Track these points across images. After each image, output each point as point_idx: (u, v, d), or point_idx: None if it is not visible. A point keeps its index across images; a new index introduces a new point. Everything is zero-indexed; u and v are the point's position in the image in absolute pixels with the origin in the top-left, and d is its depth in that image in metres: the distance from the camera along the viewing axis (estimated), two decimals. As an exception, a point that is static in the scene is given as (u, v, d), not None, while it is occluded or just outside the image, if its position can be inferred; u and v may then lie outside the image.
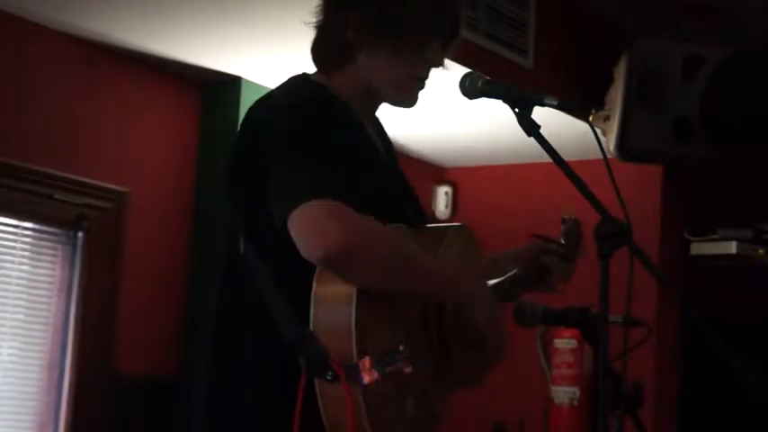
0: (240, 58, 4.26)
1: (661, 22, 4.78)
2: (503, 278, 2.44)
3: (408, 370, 1.99)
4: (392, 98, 2.25)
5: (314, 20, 2.24)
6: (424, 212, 2.30)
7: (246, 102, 4.42)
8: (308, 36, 2.27)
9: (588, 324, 2.33)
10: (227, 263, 2.17)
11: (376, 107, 2.30)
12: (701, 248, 5.18)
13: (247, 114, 2.16)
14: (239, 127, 2.18)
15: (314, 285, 1.97)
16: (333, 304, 1.96)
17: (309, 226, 1.92)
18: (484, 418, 5.07)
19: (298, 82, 2.20)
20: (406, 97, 2.24)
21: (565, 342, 4.84)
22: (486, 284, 2.19)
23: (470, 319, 2.11)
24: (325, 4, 2.23)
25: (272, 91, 2.21)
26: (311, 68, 2.28)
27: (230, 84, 4.45)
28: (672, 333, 5.01)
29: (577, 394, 4.79)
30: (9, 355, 3.97)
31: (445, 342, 2.14)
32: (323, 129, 2.06)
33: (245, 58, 4.25)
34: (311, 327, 1.95)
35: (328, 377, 1.92)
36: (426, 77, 2.24)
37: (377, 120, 2.34)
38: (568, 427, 4.81)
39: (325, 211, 1.92)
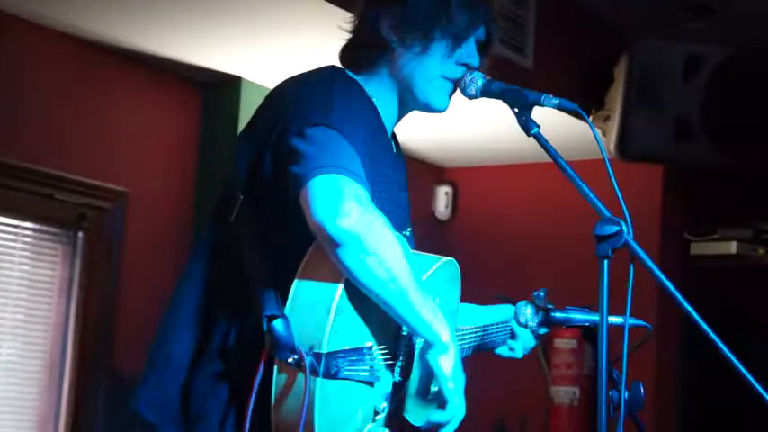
0: (240, 58, 4.26)
1: (661, 22, 4.78)
2: (474, 327, 2.42)
3: (365, 375, 1.94)
4: (423, 98, 2.21)
5: (349, 21, 2.23)
6: (412, 236, 2.28)
7: (246, 102, 4.42)
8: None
9: (588, 324, 2.33)
10: (215, 232, 2.14)
11: (402, 115, 2.27)
12: (701, 248, 5.18)
13: (276, 89, 2.14)
14: (264, 100, 2.15)
15: (301, 265, 1.93)
16: (316, 289, 1.91)
17: (328, 198, 1.87)
18: (484, 417, 5.07)
19: (331, 70, 2.18)
20: (436, 97, 2.21)
21: (565, 342, 4.84)
22: (455, 346, 2.11)
23: (436, 366, 2.01)
24: (361, 5, 2.22)
25: (303, 73, 2.17)
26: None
27: (230, 84, 4.45)
28: (672, 333, 5.01)
29: (577, 394, 4.79)
30: (9, 355, 3.97)
31: (410, 359, 2.09)
32: (344, 107, 2.03)
33: (245, 58, 4.25)
34: (288, 306, 1.91)
35: (290, 361, 1.87)
36: (459, 77, 2.21)
37: (393, 132, 2.32)
38: (568, 427, 4.81)
39: (350, 188, 1.88)
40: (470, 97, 2.21)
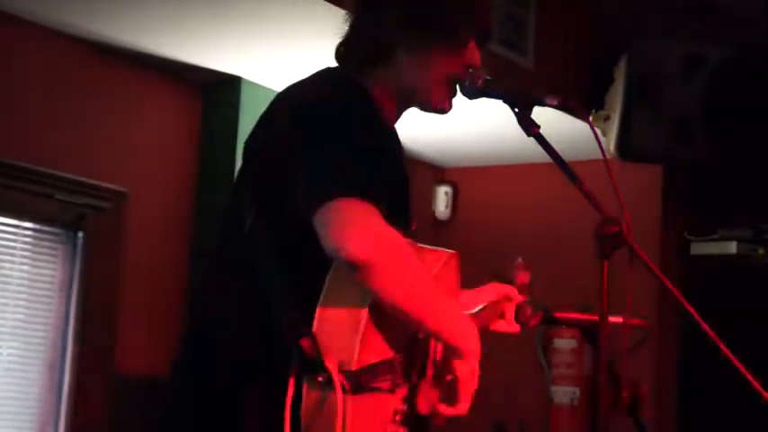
0: (240, 58, 4.26)
1: (661, 22, 4.78)
2: (477, 310, 2.43)
3: (393, 386, 1.96)
4: (424, 100, 2.20)
5: (347, 18, 2.21)
6: (415, 230, 2.29)
7: (246, 102, 4.42)
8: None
9: (588, 324, 2.34)
10: (223, 246, 2.13)
11: (401, 112, 2.25)
12: (700, 248, 5.18)
13: (277, 98, 2.11)
14: (266, 109, 2.11)
15: (326, 283, 1.92)
16: (342, 304, 1.91)
17: (342, 225, 1.86)
18: (484, 418, 5.07)
19: (332, 74, 2.15)
20: (437, 99, 2.19)
21: (565, 342, 4.84)
22: (478, 342, 2.14)
23: (454, 366, 2.06)
24: (363, 2, 2.20)
25: (304, 79, 2.14)
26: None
27: (230, 84, 4.45)
28: (672, 333, 5.01)
29: (577, 394, 4.79)
30: (9, 355, 3.97)
31: (427, 362, 2.11)
32: (358, 122, 2.01)
33: (245, 58, 4.25)
34: (316, 325, 1.91)
35: (319, 380, 1.88)
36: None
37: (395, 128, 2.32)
38: (568, 427, 4.81)
39: (361, 213, 1.87)
40: (470, 97, 2.20)
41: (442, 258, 2.17)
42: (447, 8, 2.15)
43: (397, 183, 2.11)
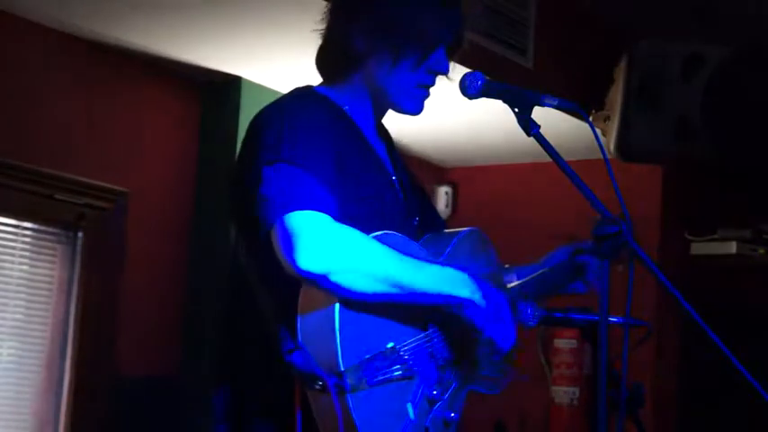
0: (240, 58, 4.26)
1: (661, 22, 4.78)
2: (525, 280, 2.40)
3: (399, 373, 1.98)
4: (396, 105, 2.24)
5: (319, 29, 2.24)
6: (438, 218, 2.30)
7: (246, 102, 4.42)
8: (307, 37, 2.26)
9: (588, 324, 2.34)
10: (231, 275, 2.18)
11: (381, 115, 2.29)
12: (700, 248, 5.18)
13: (248, 125, 2.16)
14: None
15: (300, 293, 1.96)
16: (316, 312, 1.95)
17: (287, 241, 1.91)
18: (484, 417, 5.07)
19: (298, 92, 2.20)
20: (409, 105, 2.22)
21: (565, 342, 4.84)
22: (487, 280, 2.15)
23: (468, 319, 2.08)
24: (331, 13, 2.23)
25: (273, 102, 2.19)
26: (310, 69, 2.27)
27: (230, 84, 4.45)
28: (672, 333, 5.01)
29: (577, 394, 4.79)
30: (9, 355, 3.97)
31: (454, 341, 2.12)
32: (314, 137, 2.05)
33: (245, 58, 4.25)
34: (299, 336, 1.95)
35: (318, 387, 1.92)
36: (431, 84, 2.23)
37: (383, 127, 2.33)
38: (568, 427, 4.81)
39: (308, 222, 1.92)
40: (470, 97, 2.21)
41: (455, 240, 2.22)
42: (410, 17, 2.16)
43: (370, 186, 2.14)
